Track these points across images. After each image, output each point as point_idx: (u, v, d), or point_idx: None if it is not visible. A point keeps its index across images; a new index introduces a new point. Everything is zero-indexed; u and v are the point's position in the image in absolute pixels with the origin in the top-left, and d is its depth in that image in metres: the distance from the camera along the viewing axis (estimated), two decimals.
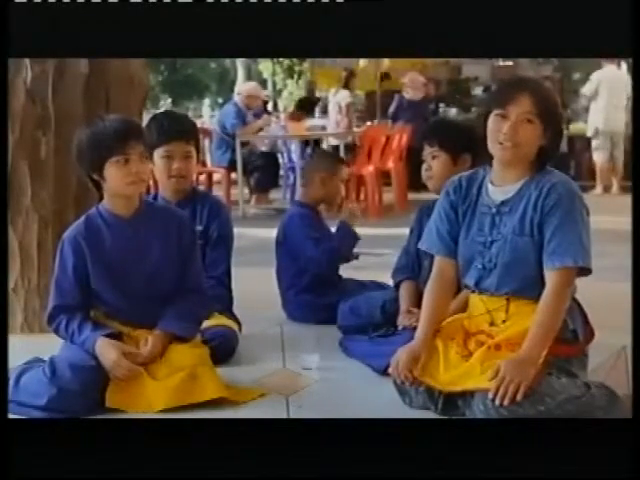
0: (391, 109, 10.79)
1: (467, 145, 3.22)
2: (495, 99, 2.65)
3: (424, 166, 3.31)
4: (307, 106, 11.35)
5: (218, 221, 3.42)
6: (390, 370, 2.68)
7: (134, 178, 2.74)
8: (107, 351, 2.69)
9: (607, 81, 9.86)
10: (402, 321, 3.18)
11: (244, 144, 9.11)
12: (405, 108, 10.51)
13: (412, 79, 10.67)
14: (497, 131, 2.58)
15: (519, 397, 2.36)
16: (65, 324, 2.78)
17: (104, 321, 2.82)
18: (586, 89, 10.21)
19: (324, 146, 10.75)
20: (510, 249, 2.60)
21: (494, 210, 2.65)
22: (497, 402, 2.37)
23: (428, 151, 3.28)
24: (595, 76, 10.05)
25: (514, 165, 2.62)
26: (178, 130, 3.35)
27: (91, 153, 2.75)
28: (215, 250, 3.39)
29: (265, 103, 12.13)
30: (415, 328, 2.81)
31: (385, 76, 12.68)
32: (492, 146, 2.61)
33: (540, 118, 2.56)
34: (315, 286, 3.82)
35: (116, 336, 2.76)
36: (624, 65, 9.76)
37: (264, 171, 9.54)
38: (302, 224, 3.88)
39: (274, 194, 9.96)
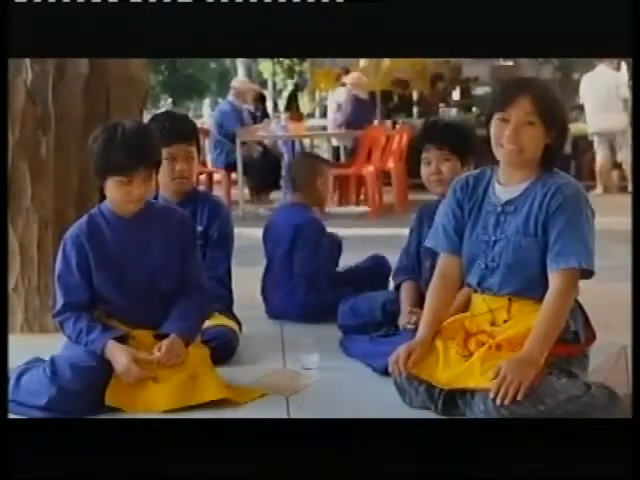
0: (350, 108, 10.60)
1: (473, 147, 3.22)
2: (496, 102, 2.64)
3: (429, 169, 3.24)
4: (290, 99, 11.35)
5: (218, 221, 3.42)
6: (389, 365, 2.68)
7: (133, 199, 2.76)
8: (118, 356, 2.69)
9: (594, 83, 9.86)
10: (403, 321, 3.18)
11: (243, 144, 9.11)
12: (357, 106, 10.41)
13: (354, 78, 10.60)
14: (500, 134, 2.58)
15: (519, 397, 2.37)
16: (73, 321, 2.78)
17: (104, 320, 2.82)
18: (580, 94, 10.23)
19: (325, 146, 10.75)
20: (513, 249, 2.60)
21: (499, 209, 2.65)
22: (498, 402, 2.38)
23: (436, 154, 3.22)
24: (583, 79, 10.09)
25: (520, 167, 2.62)
26: (180, 132, 3.35)
27: (96, 164, 2.76)
28: (215, 250, 3.39)
29: (262, 97, 12.11)
30: (416, 328, 2.82)
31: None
32: (496, 150, 2.61)
33: (542, 119, 2.55)
34: (329, 284, 3.88)
35: (123, 338, 2.77)
36: (623, 65, 9.74)
37: (266, 173, 9.53)
38: (321, 228, 3.98)
39: (274, 194, 9.96)
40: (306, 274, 3.88)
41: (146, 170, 2.74)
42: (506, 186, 2.67)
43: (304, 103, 14.64)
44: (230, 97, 9.61)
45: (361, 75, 10.66)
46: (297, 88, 14.12)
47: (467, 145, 3.23)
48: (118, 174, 2.71)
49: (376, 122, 10.55)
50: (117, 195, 2.76)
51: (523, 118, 2.55)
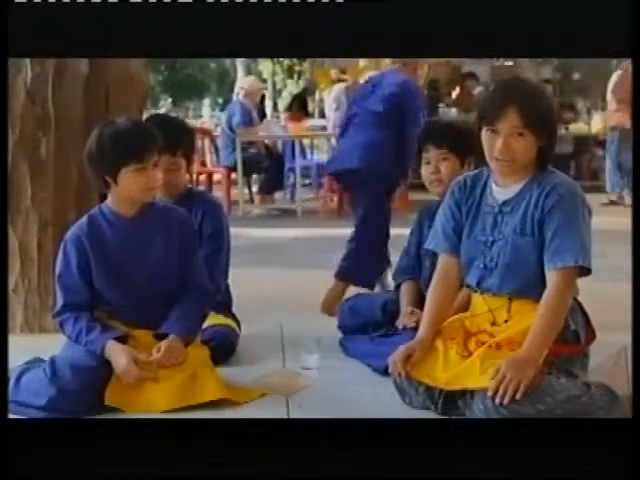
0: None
1: (473, 146, 3.21)
2: (483, 115, 2.62)
3: (429, 168, 3.24)
4: (300, 103, 11.29)
5: (211, 217, 3.37)
6: (389, 365, 2.68)
7: (149, 186, 2.77)
8: (118, 356, 2.69)
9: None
10: (402, 321, 3.18)
11: (250, 144, 9.10)
12: None
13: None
14: (491, 146, 2.58)
15: (518, 396, 2.37)
16: (73, 321, 2.78)
17: (105, 320, 2.82)
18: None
19: (326, 146, 10.72)
20: (511, 249, 2.60)
21: (496, 209, 2.66)
22: (497, 401, 2.38)
23: (435, 153, 3.23)
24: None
25: (515, 173, 2.63)
26: (165, 143, 3.26)
27: (107, 158, 2.75)
28: (208, 245, 3.34)
29: (262, 97, 12.06)
30: (416, 328, 2.82)
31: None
32: (489, 160, 2.62)
33: (530, 128, 2.54)
34: None
35: (123, 338, 2.77)
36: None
37: (270, 174, 9.51)
38: None
39: (277, 194, 9.97)
40: None
41: (154, 156, 2.77)
42: (503, 187, 2.67)
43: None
44: (240, 97, 9.55)
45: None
46: (306, 92, 13.99)
47: (466, 144, 3.22)
48: (134, 162, 2.72)
49: None
50: (134, 185, 2.76)
51: (512, 130, 2.54)
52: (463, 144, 3.21)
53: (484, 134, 2.60)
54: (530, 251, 2.58)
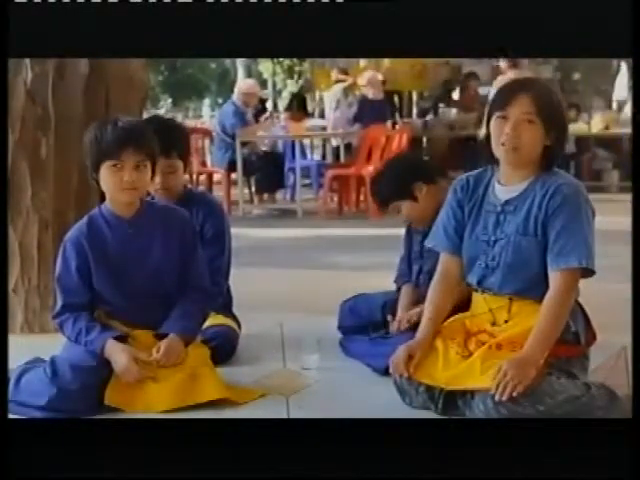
0: (354, 110, 10.38)
1: (416, 175, 3.24)
2: (496, 101, 2.65)
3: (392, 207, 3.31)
4: (299, 102, 11.29)
5: (212, 219, 3.37)
6: (390, 366, 2.68)
7: (126, 186, 2.74)
8: (117, 355, 2.69)
9: None
10: (393, 328, 3.19)
11: (245, 144, 9.09)
12: (368, 108, 10.16)
13: (371, 78, 10.36)
14: (499, 133, 2.58)
15: (515, 393, 2.37)
16: (72, 322, 2.78)
17: (105, 321, 2.82)
18: None
19: (326, 147, 10.73)
20: (513, 248, 2.60)
21: (499, 209, 2.66)
22: (496, 397, 2.38)
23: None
24: None
25: (520, 166, 2.62)
26: (159, 146, 3.23)
27: (90, 153, 2.76)
28: (210, 248, 3.35)
29: (263, 102, 12.07)
30: (412, 329, 2.82)
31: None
32: (496, 148, 2.61)
33: (541, 118, 2.55)
34: None
35: (123, 337, 2.77)
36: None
37: (267, 173, 9.49)
38: None
39: (278, 194, 9.97)
40: None
41: (136, 156, 2.72)
42: (506, 186, 2.67)
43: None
44: (234, 98, 9.54)
45: (376, 74, 10.47)
46: (303, 90, 13.99)
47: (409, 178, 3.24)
48: (109, 158, 2.70)
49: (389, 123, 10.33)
50: (110, 182, 2.74)
51: (522, 116, 2.55)
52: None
53: (494, 122, 2.60)
54: (532, 251, 2.58)
